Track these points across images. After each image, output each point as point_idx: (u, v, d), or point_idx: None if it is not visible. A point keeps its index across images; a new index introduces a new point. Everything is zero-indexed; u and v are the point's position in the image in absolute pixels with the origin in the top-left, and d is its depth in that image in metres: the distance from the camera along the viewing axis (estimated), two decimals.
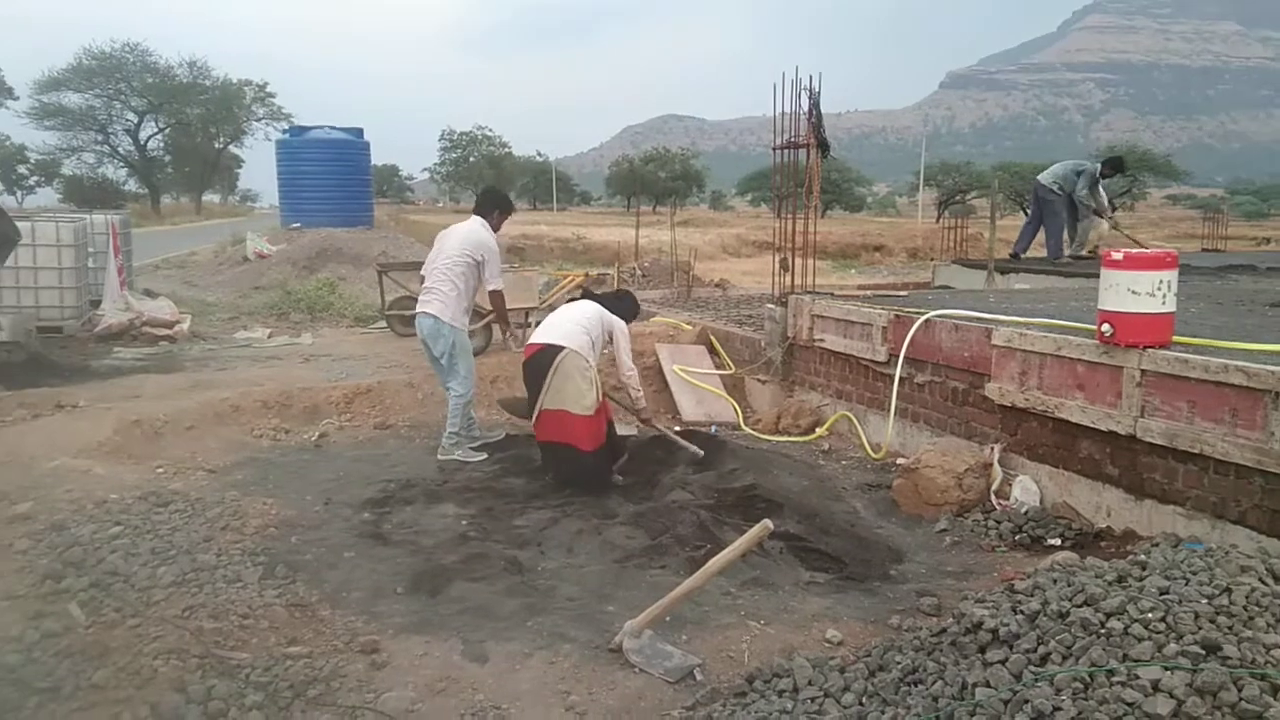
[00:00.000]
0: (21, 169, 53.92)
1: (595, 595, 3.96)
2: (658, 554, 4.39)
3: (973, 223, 18.96)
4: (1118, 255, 4.51)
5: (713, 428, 7.08)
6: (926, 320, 5.98)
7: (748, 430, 7.17)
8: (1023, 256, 11.75)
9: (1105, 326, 4.51)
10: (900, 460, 5.92)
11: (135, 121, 47.88)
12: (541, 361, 5.43)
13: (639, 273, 16.22)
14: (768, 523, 3.52)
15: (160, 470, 5.38)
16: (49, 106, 45.16)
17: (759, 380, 7.83)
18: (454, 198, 79.47)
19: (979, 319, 5.70)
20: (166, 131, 49.94)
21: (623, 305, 6.03)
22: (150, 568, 3.80)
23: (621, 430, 6.55)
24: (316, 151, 19.49)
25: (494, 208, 6.42)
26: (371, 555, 4.39)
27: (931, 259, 20.19)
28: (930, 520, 5.09)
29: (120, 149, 48.91)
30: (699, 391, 7.72)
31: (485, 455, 6.21)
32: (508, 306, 8.78)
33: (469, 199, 75.30)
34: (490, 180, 71.24)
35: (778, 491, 5.19)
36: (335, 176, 19.54)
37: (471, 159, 71.33)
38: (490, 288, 6.29)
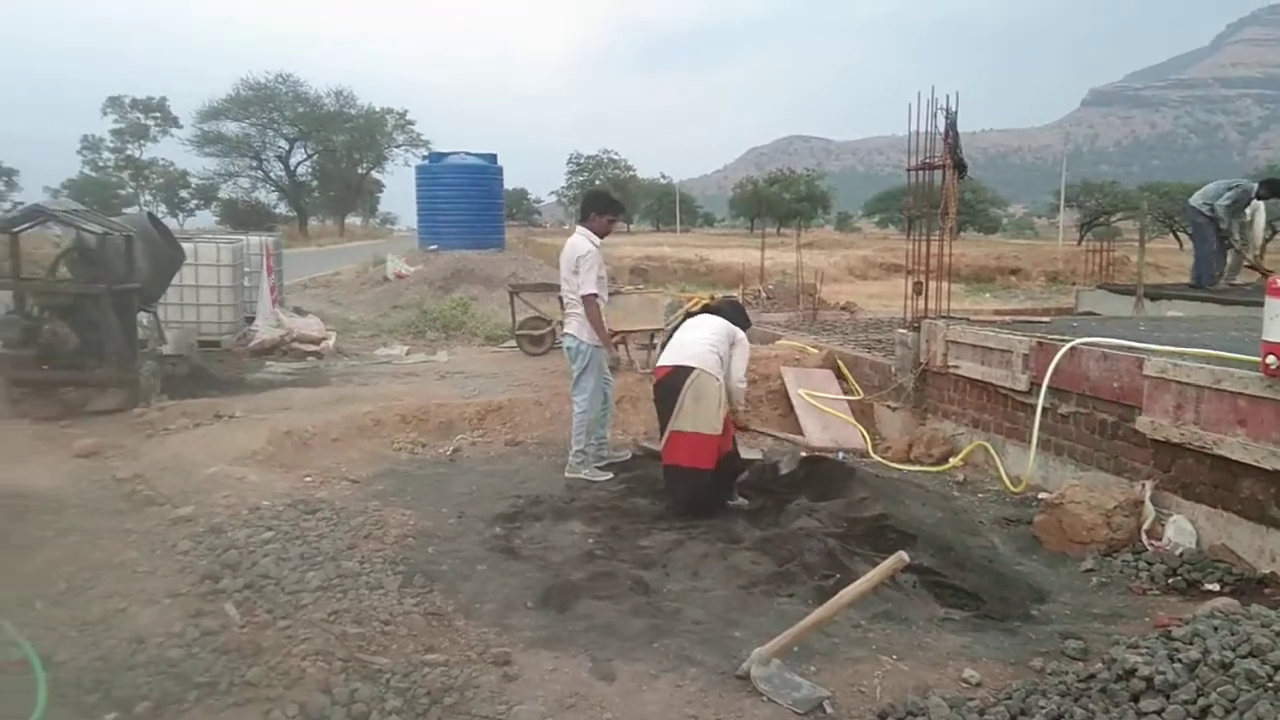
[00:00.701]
0: (183, 193, 58.11)
1: (721, 620, 3.94)
2: (785, 581, 4.33)
3: (1118, 246, 18.03)
4: None
5: (840, 454, 6.94)
6: (1072, 348, 5.71)
7: (877, 458, 7.01)
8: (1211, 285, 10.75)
9: (1270, 359, 4.20)
10: (1042, 495, 5.66)
11: (286, 148, 51.11)
12: (673, 383, 5.44)
13: (764, 295, 16.13)
14: (903, 554, 3.42)
15: (308, 479, 5.67)
16: (209, 135, 48.77)
17: (889, 407, 7.64)
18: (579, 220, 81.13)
19: (1129, 348, 5.41)
20: (314, 157, 53.07)
21: (740, 317, 5.99)
22: (299, 572, 4.00)
23: (746, 453, 6.52)
24: (453, 176, 20.27)
25: (591, 210, 6.40)
26: (503, 569, 4.49)
27: (1073, 283, 19.32)
28: (1075, 559, 4.84)
29: (272, 174, 52.27)
30: (825, 417, 7.60)
31: (611, 475, 6.26)
32: (634, 328, 8.93)
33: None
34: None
35: (910, 523, 5.04)
36: (470, 200, 20.26)
37: (597, 182, 72.74)
38: (580, 293, 6.15)
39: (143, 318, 7.91)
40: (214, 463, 5.64)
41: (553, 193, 79.63)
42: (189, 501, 4.87)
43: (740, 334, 5.78)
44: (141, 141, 56.09)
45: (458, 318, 13.38)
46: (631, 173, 74.93)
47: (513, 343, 10.92)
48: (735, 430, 5.78)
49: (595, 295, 6.14)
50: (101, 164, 56.75)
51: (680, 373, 5.42)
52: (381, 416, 7.10)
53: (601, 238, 6.31)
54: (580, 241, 6.21)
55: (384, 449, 6.69)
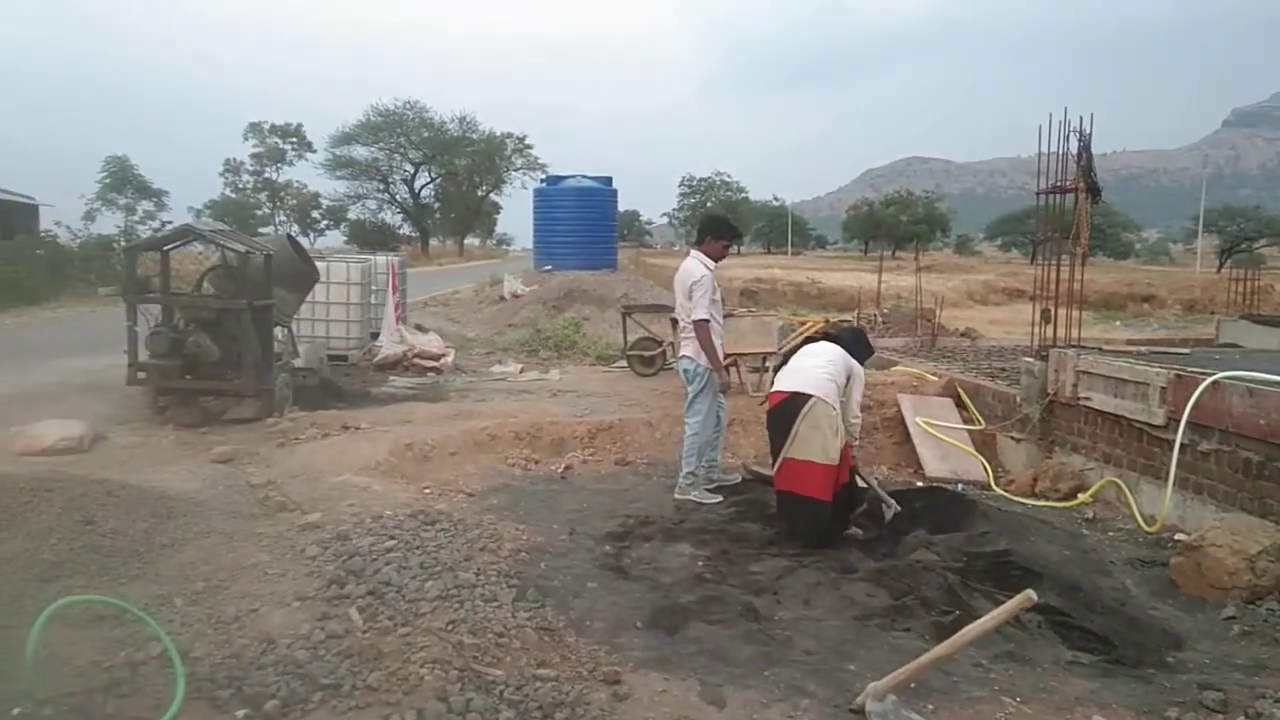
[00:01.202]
0: (315, 214, 61.05)
1: (834, 651, 3.85)
2: (901, 615, 4.21)
3: (1263, 274, 16.94)
4: None
5: (959, 486, 6.72)
6: (1215, 381, 5.39)
7: (999, 491, 6.75)
8: None
9: None
10: (1179, 536, 5.35)
11: (411, 172, 53.24)
12: (788, 410, 5.35)
13: (879, 319, 15.81)
14: (1031, 594, 3.27)
15: (427, 490, 5.84)
16: (341, 159, 51.26)
17: (1012, 438, 7.36)
18: (690, 241, 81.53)
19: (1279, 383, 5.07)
20: (437, 181, 55.00)
21: (860, 347, 5.85)
22: (419, 581, 4.12)
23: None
24: (569, 199, 20.67)
25: (706, 234, 6.35)
26: (613, 587, 4.51)
27: (1213, 313, 18.25)
28: (1215, 605, 4.56)
29: (398, 196, 54.48)
30: (944, 446, 7.37)
31: (720, 498, 6.21)
32: (746, 351, 8.88)
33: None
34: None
35: (1035, 560, 4.82)
36: (584, 222, 20.61)
37: (708, 204, 72.89)
38: (692, 318, 6.10)
39: (278, 332, 8.32)
40: (340, 472, 5.87)
41: (664, 214, 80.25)
42: (317, 508, 5.09)
43: (857, 367, 5.66)
44: (278, 165, 59.29)
45: (570, 337, 13.59)
46: (744, 194, 74.78)
47: (624, 363, 11.01)
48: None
49: (707, 320, 6.11)
50: (241, 186, 60.21)
51: (796, 400, 5.33)
52: (497, 432, 7.26)
53: (716, 262, 6.28)
54: (695, 266, 6.19)
55: (499, 464, 6.83)
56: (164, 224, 45.88)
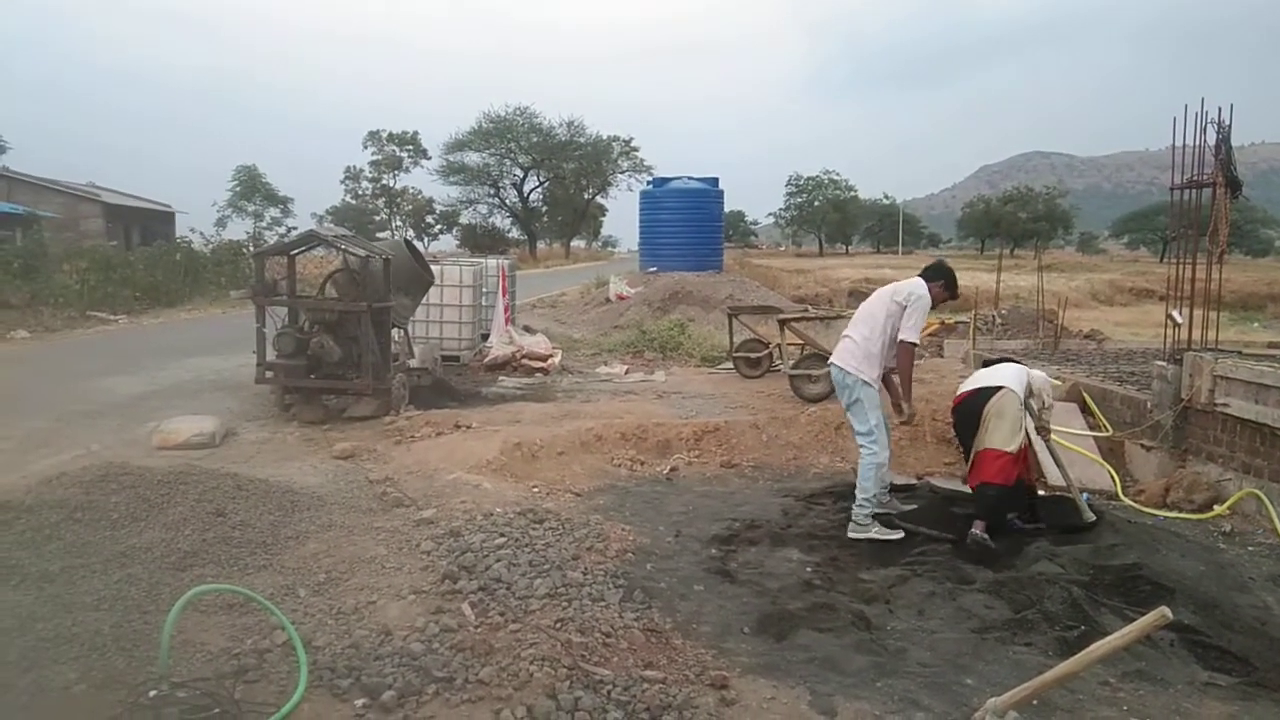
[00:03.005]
0: (429, 218, 62.95)
1: (951, 664, 3.72)
2: (1022, 629, 4.04)
3: None
4: None
5: (1084, 495, 6.41)
6: None
7: (1127, 501, 6.41)
8: None
9: None
10: None
11: (521, 176, 54.30)
12: (976, 403, 5.38)
13: (998, 320, 15.26)
14: (1166, 611, 3.07)
15: (536, 489, 5.93)
16: (454, 165, 52.79)
17: (1142, 446, 6.97)
18: (796, 241, 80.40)
19: None
20: (545, 184, 55.95)
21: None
22: (528, 578, 4.18)
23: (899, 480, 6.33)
24: (675, 200, 20.72)
25: (936, 276, 5.77)
26: (719, 591, 4.48)
27: None
28: None
29: (507, 200, 55.64)
30: (1069, 454, 7.01)
31: (902, 534, 5.37)
32: None
33: (810, 243, 75.79)
34: (834, 223, 71.25)
35: (1167, 574, 4.55)
36: (690, 224, 20.63)
37: (816, 203, 71.82)
38: (902, 337, 5.52)
39: (396, 333, 8.60)
40: (453, 469, 6.02)
41: (770, 214, 79.49)
42: (431, 505, 5.23)
43: (1037, 374, 5.65)
44: (395, 172, 61.38)
45: (675, 338, 13.60)
46: (852, 193, 73.39)
47: (729, 365, 10.94)
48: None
49: (915, 344, 5.63)
50: (360, 193, 62.58)
51: (983, 392, 5.38)
52: (603, 433, 7.31)
53: (932, 304, 5.72)
54: (922, 288, 5.63)
55: (605, 464, 6.88)
56: (290, 230, 48.16)
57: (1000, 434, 5.20)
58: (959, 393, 5.67)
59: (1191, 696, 3.51)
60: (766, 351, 10.29)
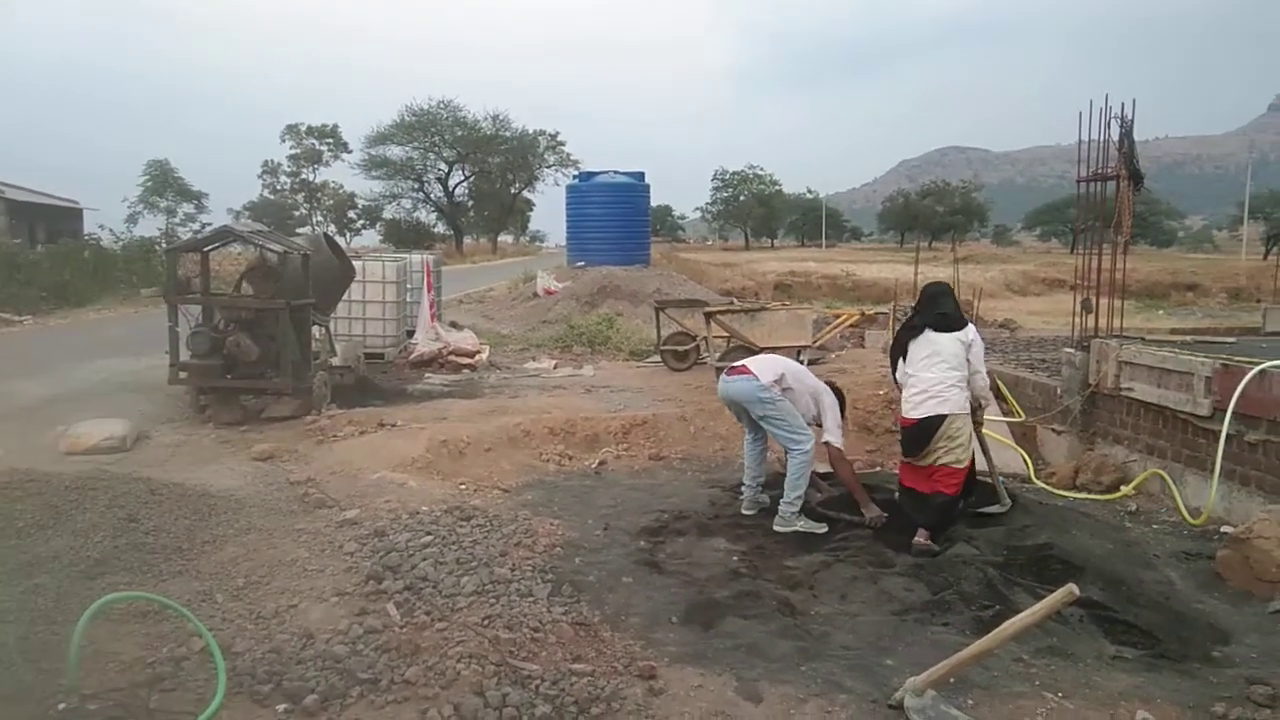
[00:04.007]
0: (351, 214, 61.72)
1: (872, 646, 3.81)
2: (940, 610, 4.16)
3: None
4: None
5: (999, 479, 6.62)
6: (1262, 371, 5.26)
7: (1039, 484, 6.65)
8: None
9: None
10: (1226, 528, 5.24)
11: (445, 170, 53.57)
12: (924, 430, 5.17)
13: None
14: (1073, 587, 3.20)
15: (463, 486, 5.88)
16: (376, 159, 51.76)
17: (1053, 430, 7.24)
18: (723, 235, 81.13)
19: None
20: (471, 179, 55.32)
21: (955, 303, 5.53)
22: (455, 576, 4.14)
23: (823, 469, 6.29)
24: (602, 195, 20.71)
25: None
26: (648, 582, 4.51)
27: (1259, 301, 17.84)
28: (1262, 599, 4.45)
29: (432, 195, 54.88)
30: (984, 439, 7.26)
31: (826, 527, 5.41)
32: (780, 344, 8.82)
33: (737, 237, 76.54)
34: (760, 217, 72.07)
35: (1077, 553, 4.74)
36: (617, 218, 20.64)
37: (742, 197, 72.55)
38: (827, 439, 5.54)
39: (316, 331, 8.42)
40: (378, 469, 5.93)
41: (697, 209, 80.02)
42: (355, 505, 5.14)
43: (973, 331, 5.31)
44: (315, 166, 59.99)
45: (603, 333, 13.61)
46: (777, 187, 74.37)
47: (657, 358, 11.00)
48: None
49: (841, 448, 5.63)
50: (279, 187, 61.03)
51: (931, 423, 5.14)
52: (531, 428, 7.28)
53: None
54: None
55: (533, 460, 6.86)
56: (204, 226, 46.70)
57: (954, 455, 5.13)
58: (905, 415, 5.29)
59: (1100, 669, 3.65)
60: (693, 344, 10.37)
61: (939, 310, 5.40)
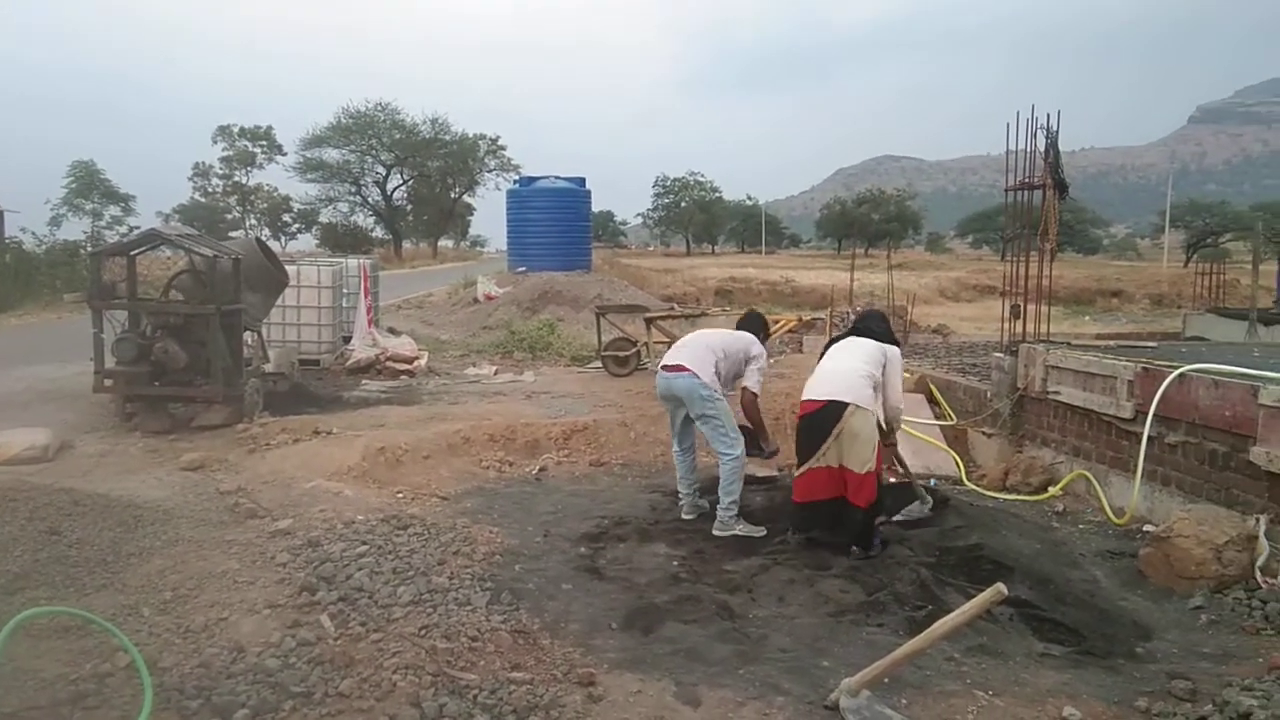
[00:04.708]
0: (286, 217, 60.48)
1: (809, 648, 3.86)
2: (874, 611, 4.24)
3: (1228, 268, 17.22)
4: None
5: (931, 481, 6.77)
6: (1181, 374, 5.46)
7: (970, 486, 6.81)
8: None
9: None
10: (1148, 527, 5.43)
11: (383, 174, 52.83)
12: (823, 420, 5.03)
13: (852, 317, 15.89)
14: (1001, 587, 3.30)
15: (400, 495, 5.80)
16: (311, 161, 50.84)
17: (984, 433, 7.42)
18: (664, 241, 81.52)
19: (1244, 375, 5.16)
20: (410, 183, 54.67)
21: (888, 330, 5.56)
22: (391, 586, 4.08)
23: (761, 472, 6.44)
24: (543, 200, 20.65)
25: (760, 330, 5.97)
26: (588, 589, 4.50)
27: (1179, 306, 18.53)
28: (1183, 595, 4.61)
29: (370, 199, 54.07)
30: (916, 442, 7.41)
31: (764, 531, 5.45)
32: None
33: (678, 243, 77.01)
34: (700, 223, 72.63)
35: (1006, 553, 4.87)
36: (558, 223, 20.61)
37: (683, 204, 72.96)
38: (746, 384, 5.65)
39: (248, 337, 8.23)
40: (312, 478, 5.82)
41: (639, 215, 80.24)
42: (288, 515, 5.03)
43: (893, 350, 5.36)
44: (248, 168, 58.64)
45: (545, 338, 13.56)
46: (717, 194, 74.99)
47: (598, 364, 11.00)
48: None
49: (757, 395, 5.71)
50: (210, 190, 59.53)
51: (833, 408, 5.00)
52: (470, 435, 7.22)
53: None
54: (755, 341, 5.78)
55: (473, 467, 6.80)
56: (131, 229, 45.31)
57: (858, 454, 4.95)
58: (806, 399, 5.22)
59: (1029, 667, 3.75)
60: (634, 350, 10.40)
61: (868, 324, 5.57)
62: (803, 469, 5.17)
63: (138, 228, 41.37)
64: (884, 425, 5.26)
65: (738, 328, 5.97)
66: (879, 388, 5.19)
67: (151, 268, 16.61)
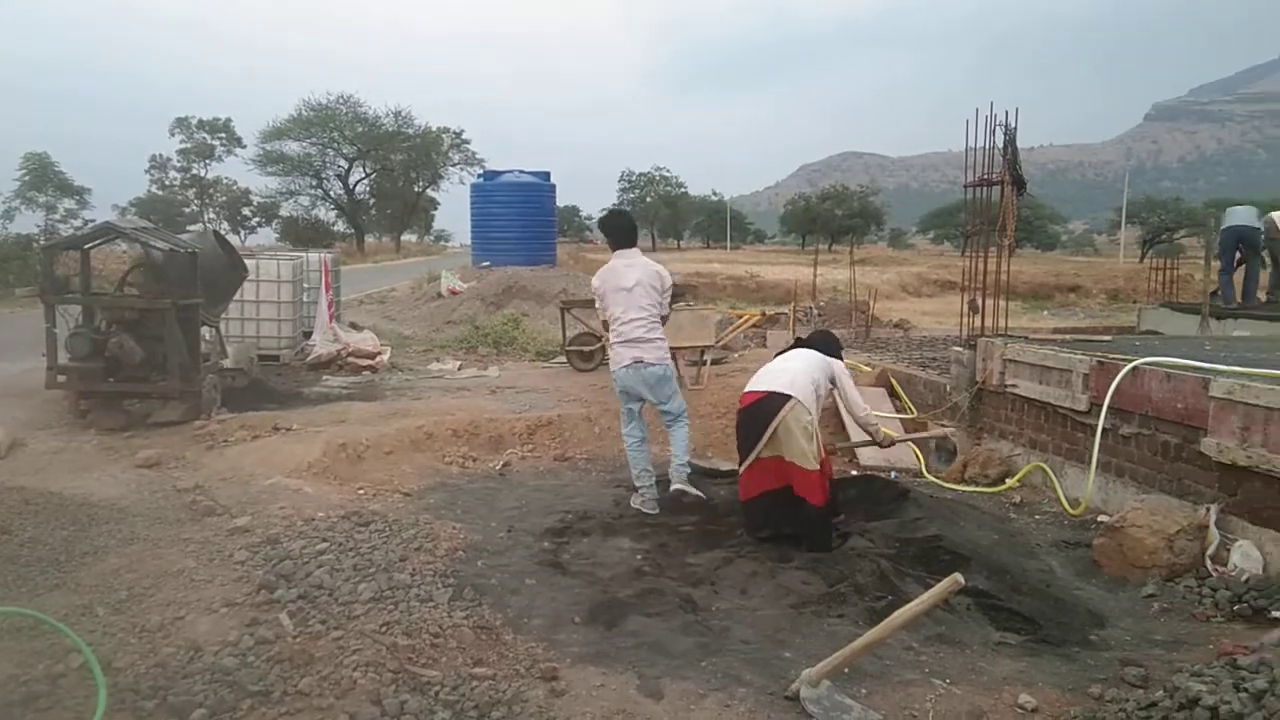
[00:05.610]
0: (245, 211, 59.62)
1: (770, 640, 3.89)
2: (835, 602, 4.27)
3: (1182, 263, 17.59)
4: None
5: (892, 474, 6.85)
6: (1134, 368, 5.57)
7: (930, 478, 6.89)
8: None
9: None
10: (1102, 518, 5.52)
11: (345, 167, 52.30)
12: (763, 411, 5.09)
13: (815, 312, 16.02)
14: (958, 577, 3.34)
15: (362, 491, 5.75)
16: (272, 154, 50.13)
17: (943, 426, 7.51)
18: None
19: (1195, 368, 5.26)
20: (372, 176, 54.15)
21: (834, 347, 5.67)
22: (352, 583, 4.05)
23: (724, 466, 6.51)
24: (507, 194, 20.51)
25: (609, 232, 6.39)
26: (551, 584, 4.50)
27: (1135, 301, 18.90)
28: (1136, 584, 4.70)
29: (331, 192, 53.51)
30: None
31: (703, 496, 5.95)
32: (685, 344, 8.91)
33: (644, 238, 77.15)
34: (666, 219, 72.69)
35: (964, 544, 4.94)
36: (523, 218, 20.49)
37: (648, 199, 73.01)
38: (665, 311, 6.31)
39: (205, 332, 8.11)
40: (271, 474, 5.75)
41: (604, 209, 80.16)
42: (246, 512, 4.97)
43: (838, 365, 5.46)
44: (207, 161, 57.71)
45: (509, 333, 13.50)
46: (683, 189, 75.14)
47: (563, 359, 10.98)
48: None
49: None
50: (168, 183, 58.50)
51: (773, 399, 5.07)
52: (433, 430, 7.18)
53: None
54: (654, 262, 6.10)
55: (435, 462, 6.76)
56: (86, 222, 44.35)
57: (797, 448, 4.98)
58: (748, 390, 5.32)
59: (985, 655, 3.80)
60: (599, 345, 10.38)
61: (813, 340, 5.75)
62: (745, 464, 5.23)
63: (93, 221, 40.49)
64: (866, 432, 5.55)
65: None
66: (820, 394, 5.29)
67: (107, 262, 16.30)
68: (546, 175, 21.44)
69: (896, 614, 3.42)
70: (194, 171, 58.02)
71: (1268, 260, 11.41)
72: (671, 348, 8.54)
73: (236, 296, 9.32)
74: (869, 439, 5.87)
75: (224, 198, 58.84)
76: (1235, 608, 4.29)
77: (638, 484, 5.91)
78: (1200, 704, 2.71)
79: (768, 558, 4.88)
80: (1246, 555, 4.60)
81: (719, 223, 77.52)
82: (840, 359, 5.66)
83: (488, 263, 20.19)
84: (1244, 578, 4.49)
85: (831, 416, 7.93)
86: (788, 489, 5.06)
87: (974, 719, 3.15)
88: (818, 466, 5.02)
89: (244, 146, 54.84)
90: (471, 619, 3.90)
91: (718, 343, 9.62)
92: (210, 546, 4.44)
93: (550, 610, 4.14)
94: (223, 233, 10.47)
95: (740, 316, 11.36)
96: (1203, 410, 5.01)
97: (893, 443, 5.81)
